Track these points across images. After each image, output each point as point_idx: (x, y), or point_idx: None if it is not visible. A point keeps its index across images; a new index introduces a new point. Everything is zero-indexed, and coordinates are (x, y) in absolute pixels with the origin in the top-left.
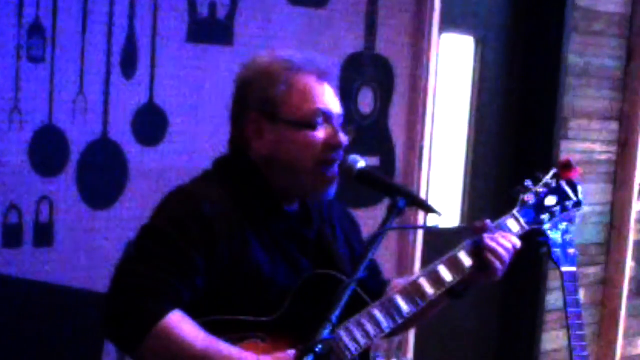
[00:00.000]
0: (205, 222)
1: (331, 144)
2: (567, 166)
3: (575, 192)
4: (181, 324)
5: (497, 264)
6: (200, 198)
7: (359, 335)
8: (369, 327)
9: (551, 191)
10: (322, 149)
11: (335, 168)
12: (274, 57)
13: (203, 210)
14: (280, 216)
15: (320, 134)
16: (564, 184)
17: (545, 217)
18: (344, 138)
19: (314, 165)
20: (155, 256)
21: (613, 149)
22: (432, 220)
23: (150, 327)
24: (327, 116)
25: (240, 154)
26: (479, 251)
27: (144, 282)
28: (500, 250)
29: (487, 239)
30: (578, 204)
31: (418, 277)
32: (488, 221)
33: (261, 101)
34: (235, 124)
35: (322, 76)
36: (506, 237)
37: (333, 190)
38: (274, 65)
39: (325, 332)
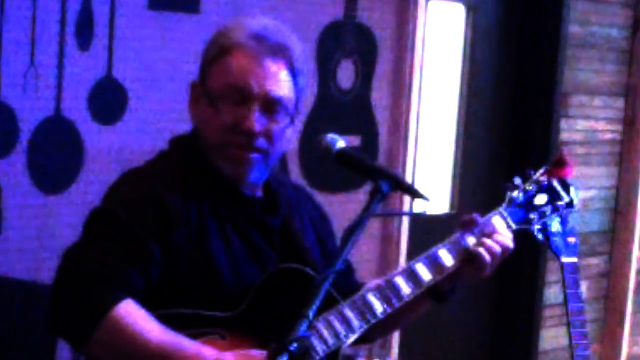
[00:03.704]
0: (162, 206)
1: (236, 129)
2: (560, 163)
3: (567, 191)
4: (134, 314)
5: (486, 258)
6: (156, 179)
7: (327, 335)
8: (339, 327)
9: (541, 189)
10: (227, 130)
11: (248, 153)
12: (227, 24)
13: (159, 192)
14: (242, 201)
15: (227, 113)
16: (555, 182)
17: (534, 216)
18: (253, 124)
19: (221, 145)
20: (105, 241)
21: (618, 127)
22: (419, 206)
23: (100, 317)
24: (245, 95)
25: (196, 132)
26: (464, 249)
27: (93, 268)
28: (489, 242)
29: (477, 232)
30: (570, 204)
31: (394, 275)
32: (477, 215)
33: (201, 69)
34: None
35: (265, 52)
36: (500, 233)
37: (253, 174)
38: (220, 31)
39: (301, 329)
